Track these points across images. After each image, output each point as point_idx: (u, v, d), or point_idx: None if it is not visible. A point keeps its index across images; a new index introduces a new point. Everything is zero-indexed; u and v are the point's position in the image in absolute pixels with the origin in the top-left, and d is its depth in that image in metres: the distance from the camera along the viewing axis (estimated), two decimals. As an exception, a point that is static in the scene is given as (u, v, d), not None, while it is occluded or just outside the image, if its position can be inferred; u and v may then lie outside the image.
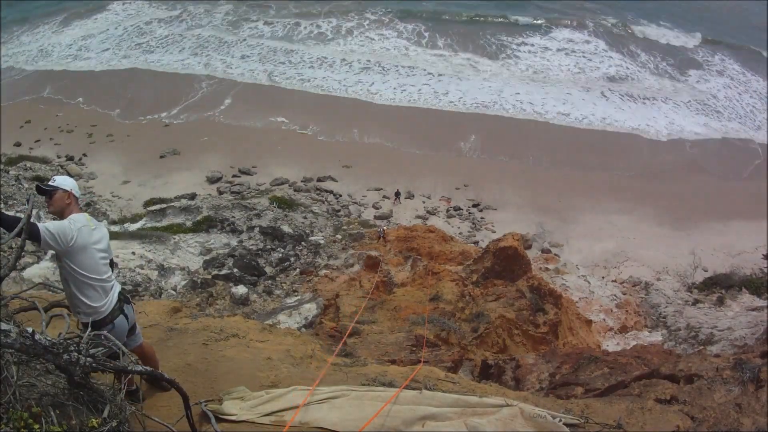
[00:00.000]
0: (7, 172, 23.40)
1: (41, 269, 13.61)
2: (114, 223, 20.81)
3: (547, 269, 20.55)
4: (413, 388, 4.94)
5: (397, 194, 24.84)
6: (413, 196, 25.47)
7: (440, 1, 46.07)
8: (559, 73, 36.65)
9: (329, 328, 11.13)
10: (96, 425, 2.93)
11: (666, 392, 5.63)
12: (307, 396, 4.52)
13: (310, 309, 13.87)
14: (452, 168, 27.03)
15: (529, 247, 21.28)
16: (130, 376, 3.83)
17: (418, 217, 24.14)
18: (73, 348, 2.98)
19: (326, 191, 25.26)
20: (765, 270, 19.84)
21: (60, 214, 3.97)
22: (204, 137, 28.95)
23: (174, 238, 18.64)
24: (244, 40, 39.90)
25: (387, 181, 26.01)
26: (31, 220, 3.50)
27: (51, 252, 16.05)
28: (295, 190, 25.08)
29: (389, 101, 32.45)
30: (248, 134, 29.22)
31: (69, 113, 31.21)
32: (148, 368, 3.39)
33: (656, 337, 16.61)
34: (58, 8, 45.80)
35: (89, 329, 3.66)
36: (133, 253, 16.95)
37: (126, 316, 4.28)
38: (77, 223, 3.84)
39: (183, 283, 16.22)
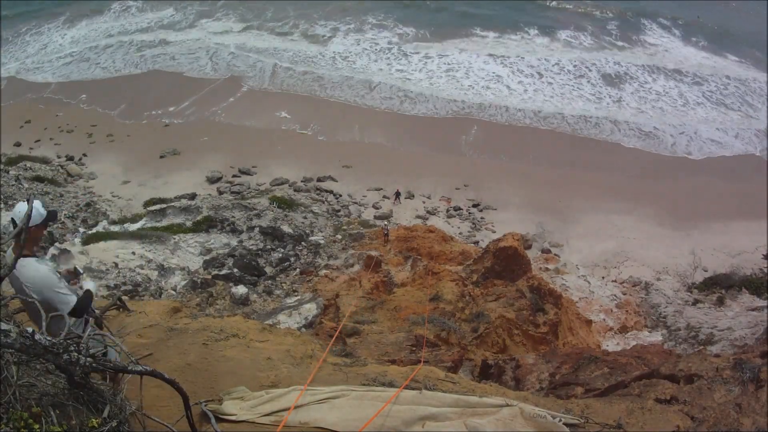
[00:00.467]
0: (7, 172, 23.40)
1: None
2: (114, 223, 20.81)
3: (547, 269, 20.55)
4: (413, 388, 4.94)
5: (397, 194, 24.84)
6: (413, 196, 25.47)
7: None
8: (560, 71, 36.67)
9: (329, 328, 11.13)
10: (96, 425, 2.93)
11: (666, 392, 5.63)
12: (299, 396, 4.51)
13: (310, 309, 13.88)
14: (452, 168, 27.03)
15: (529, 247, 21.28)
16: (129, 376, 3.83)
17: (418, 217, 24.14)
18: (73, 348, 2.98)
19: (326, 191, 25.26)
20: (765, 270, 19.84)
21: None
22: (204, 137, 28.95)
23: (174, 238, 18.64)
24: (245, 41, 39.92)
25: (387, 181, 26.01)
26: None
27: (52, 252, 16.07)
28: (295, 190, 25.08)
29: (389, 100, 32.47)
30: (248, 134, 29.22)
31: (69, 113, 31.21)
32: (148, 368, 3.39)
33: (656, 337, 16.62)
34: (59, 8, 45.76)
35: (89, 329, 3.67)
36: (133, 253, 16.96)
37: None
38: None
39: (183, 283, 16.22)
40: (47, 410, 2.86)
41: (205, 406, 4.40)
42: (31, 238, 3.79)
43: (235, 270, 17.09)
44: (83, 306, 3.84)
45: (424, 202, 25.29)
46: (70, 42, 40.74)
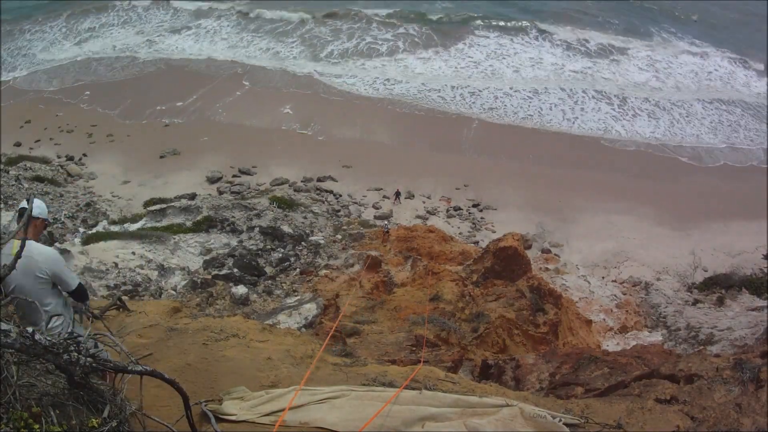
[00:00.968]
0: (7, 172, 23.39)
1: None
2: (114, 223, 20.80)
3: (547, 269, 20.56)
4: (413, 388, 4.94)
5: (397, 194, 24.84)
6: (413, 196, 25.48)
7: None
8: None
9: (329, 328, 11.12)
10: (96, 425, 2.93)
11: (666, 392, 5.63)
12: (294, 397, 4.51)
13: (310, 309, 13.87)
14: (452, 168, 27.03)
15: (529, 247, 21.28)
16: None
17: (418, 217, 24.14)
18: (73, 348, 2.99)
19: (326, 191, 25.26)
20: (765, 270, 19.84)
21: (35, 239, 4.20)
22: (204, 137, 28.95)
23: (174, 238, 18.64)
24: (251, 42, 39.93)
25: (387, 181, 26.01)
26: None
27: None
28: (295, 190, 25.08)
29: (389, 101, 32.47)
30: (248, 134, 29.22)
31: (69, 113, 31.19)
32: (148, 368, 3.39)
33: (656, 337, 16.62)
34: (60, 8, 45.70)
35: (89, 329, 3.67)
36: (133, 253, 16.95)
37: None
38: None
39: (183, 283, 16.22)
40: (47, 410, 2.86)
41: (205, 406, 4.40)
42: (33, 230, 4.08)
43: (235, 270, 17.09)
44: (84, 289, 4.28)
45: (424, 202, 25.29)
46: (71, 42, 40.70)
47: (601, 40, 41.70)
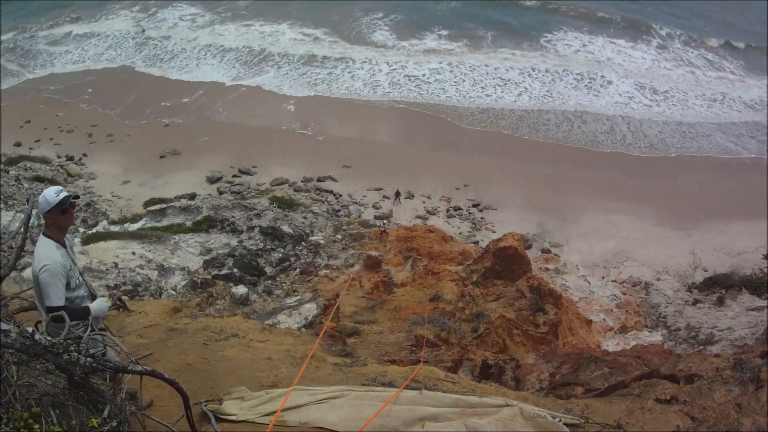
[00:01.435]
0: (7, 172, 23.39)
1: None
2: (114, 223, 20.81)
3: (547, 269, 20.55)
4: (413, 389, 4.94)
5: (397, 194, 24.85)
6: (413, 196, 25.47)
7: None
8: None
9: (329, 328, 11.12)
10: (96, 425, 2.93)
11: (666, 392, 5.63)
12: (287, 396, 4.51)
13: (310, 309, 13.84)
14: (452, 168, 27.02)
15: (529, 247, 21.27)
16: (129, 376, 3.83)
17: (418, 217, 24.13)
18: (73, 348, 2.99)
19: (326, 191, 25.26)
20: (765, 270, 19.84)
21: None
22: (204, 137, 28.95)
23: (174, 238, 18.64)
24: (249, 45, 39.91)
25: (387, 181, 26.00)
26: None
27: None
28: (295, 190, 25.08)
29: (389, 100, 32.48)
30: (248, 134, 29.22)
31: (69, 113, 31.19)
32: (148, 368, 3.39)
33: (656, 337, 16.62)
34: (60, 8, 45.71)
35: (89, 329, 3.67)
36: (133, 253, 16.96)
37: None
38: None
39: (183, 283, 16.22)
40: (47, 410, 2.86)
41: (205, 406, 4.41)
42: (49, 224, 3.94)
43: (235, 270, 17.09)
44: (62, 316, 3.57)
45: (424, 202, 25.29)
46: (74, 43, 40.71)
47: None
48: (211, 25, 42.52)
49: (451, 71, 35.78)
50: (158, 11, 45.20)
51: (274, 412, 4.43)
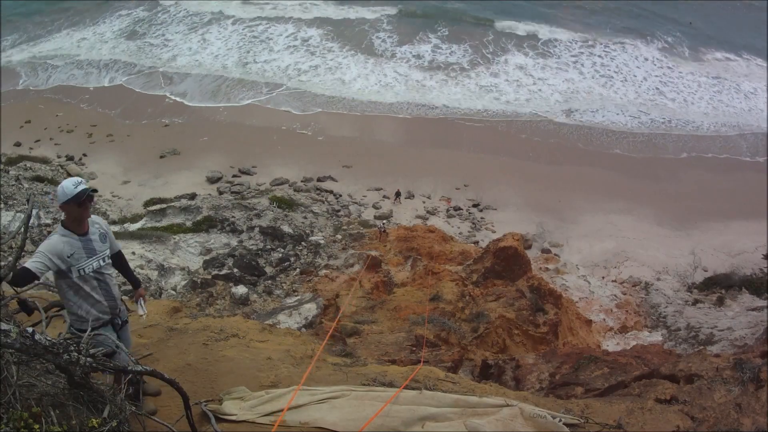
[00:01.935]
0: (7, 172, 23.38)
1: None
2: (114, 223, 20.80)
3: (547, 269, 20.55)
4: (413, 388, 4.94)
5: (397, 194, 24.85)
6: (413, 196, 25.47)
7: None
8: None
9: (329, 328, 11.12)
10: (96, 425, 2.93)
11: (666, 392, 5.63)
12: (293, 396, 4.51)
13: (310, 309, 13.86)
14: (452, 168, 27.02)
15: (529, 247, 21.28)
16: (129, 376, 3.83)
17: (418, 217, 24.13)
18: (73, 348, 2.99)
19: (326, 191, 25.25)
20: (765, 270, 19.84)
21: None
22: (204, 137, 28.95)
23: (174, 238, 18.64)
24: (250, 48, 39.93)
25: (387, 181, 26.00)
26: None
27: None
28: (295, 190, 25.07)
29: (390, 100, 32.49)
30: (248, 134, 29.21)
31: (69, 113, 31.17)
32: (148, 368, 3.39)
33: (656, 337, 16.62)
34: (60, 8, 45.66)
35: (89, 330, 3.67)
36: (133, 253, 16.95)
37: None
38: None
39: (183, 283, 16.22)
40: (47, 410, 2.86)
41: (205, 406, 4.41)
42: (69, 217, 3.95)
43: (235, 270, 17.09)
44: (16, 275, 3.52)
45: (424, 202, 25.28)
46: (74, 44, 40.69)
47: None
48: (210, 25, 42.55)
49: (451, 71, 35.80)
50: (158, 13, 45.20)
51: (275, 412, 4.43)
